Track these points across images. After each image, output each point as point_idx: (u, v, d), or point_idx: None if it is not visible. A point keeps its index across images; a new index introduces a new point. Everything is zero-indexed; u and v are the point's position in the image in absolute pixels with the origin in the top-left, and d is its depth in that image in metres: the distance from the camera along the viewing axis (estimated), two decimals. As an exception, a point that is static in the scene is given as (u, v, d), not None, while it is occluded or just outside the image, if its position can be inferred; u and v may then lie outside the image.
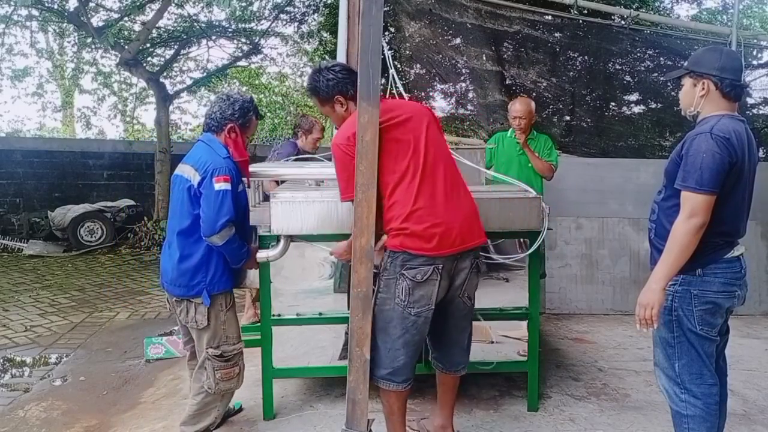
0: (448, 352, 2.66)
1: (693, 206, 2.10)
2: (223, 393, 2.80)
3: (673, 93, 6.55)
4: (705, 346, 2.26)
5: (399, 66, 7.55)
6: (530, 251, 2.95)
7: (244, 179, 2.85)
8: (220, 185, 2.59)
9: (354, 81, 2.44)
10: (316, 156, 4.04)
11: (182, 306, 2.74)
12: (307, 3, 11.57)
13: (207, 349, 2.74)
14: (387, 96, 4.21)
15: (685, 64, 2.32)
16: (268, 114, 15.46)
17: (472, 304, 2.61)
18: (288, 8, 11.60)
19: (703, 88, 2.22)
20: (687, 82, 2.29)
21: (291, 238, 2.90)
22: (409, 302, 2.36)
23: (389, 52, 3.96)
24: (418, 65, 7.72)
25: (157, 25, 10.70)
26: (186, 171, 2.70)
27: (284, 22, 12.03)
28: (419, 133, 2.42)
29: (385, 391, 2.48)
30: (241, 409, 3.25)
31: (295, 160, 4.04)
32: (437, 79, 7.88)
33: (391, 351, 2.41)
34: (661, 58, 7.11)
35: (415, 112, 2.49)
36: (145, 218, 10.04)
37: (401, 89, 3.51)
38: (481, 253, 2.63)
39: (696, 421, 2.26)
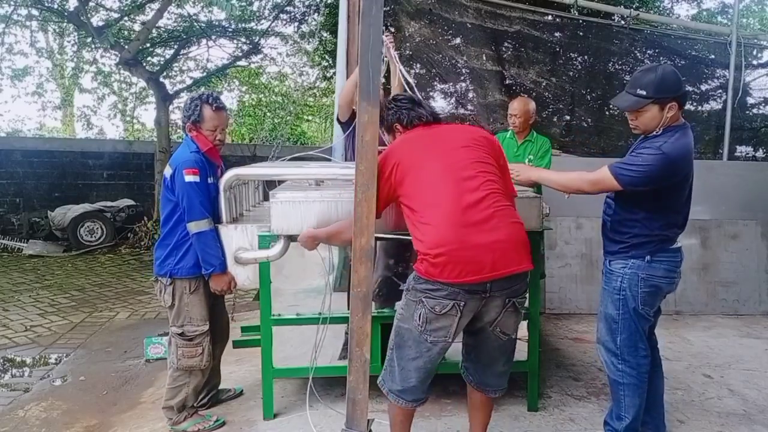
0: (479, 371, 2.48)
1: (600, 180, 2.49)
2: (187, 369, 3.01)
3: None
4: (642, 324, 2.61)
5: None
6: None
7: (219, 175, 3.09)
8: (190, 177, 2.87)
9: (407, 110, 2.45)
10: (317, 155, 4.03)
11: (157, 285, 3.05)
12: (307, 3, 11.57)
13: (171, 326, 3.03)
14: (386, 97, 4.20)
15: (642, 92, 2.46)
16: (268, 114, 15.44)
17: (511, 339, 2.38)
18: (288, 8, 11.60)
19: (672, 109, 2.45)
20: (653, 108, 2.46)
21: (291, 238, 2.90)
22: (426, 329, 2.23)
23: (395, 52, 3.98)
24: (418, 65, 7.71)
25: (157, 25, 10.70)
26: (166, 169, 3.01)
27: (284, 22, 12.03)
28: (438, 159, 2.29)
29: (391, 404, 2.43)
30: (242, 393, 3.46)
31: (294, 159, 4.04)
32: (437, 79, 7.87)
33: (404, 370, 2.33)
34: (661, 58, 7.11)
35: (431, 145, 2.35)
36: (145, 218, 10.03)
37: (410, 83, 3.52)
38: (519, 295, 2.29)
39: (630, 388, 2.62)
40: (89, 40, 11.46)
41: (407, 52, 7.47)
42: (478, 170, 2.27)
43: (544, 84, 7.09)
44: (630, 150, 2.58)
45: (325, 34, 11.14)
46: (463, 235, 2.14)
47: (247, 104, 16.24)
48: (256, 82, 15.47)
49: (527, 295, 2.31)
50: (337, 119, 4.18)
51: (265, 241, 2.94)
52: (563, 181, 2.65)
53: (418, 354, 2.28)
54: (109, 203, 10.21)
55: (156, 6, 10.45)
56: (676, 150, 2.42)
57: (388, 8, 6.48)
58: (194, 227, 2.88)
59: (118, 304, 6.12)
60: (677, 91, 2.45)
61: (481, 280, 2.14)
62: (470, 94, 8.17)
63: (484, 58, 6.90)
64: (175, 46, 11.67)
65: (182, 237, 2.95)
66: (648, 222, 2.51)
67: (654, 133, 2.50)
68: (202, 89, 12.30)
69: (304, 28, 11.94)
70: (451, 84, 8.15)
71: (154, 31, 10.81)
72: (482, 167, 2.29)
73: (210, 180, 2.99)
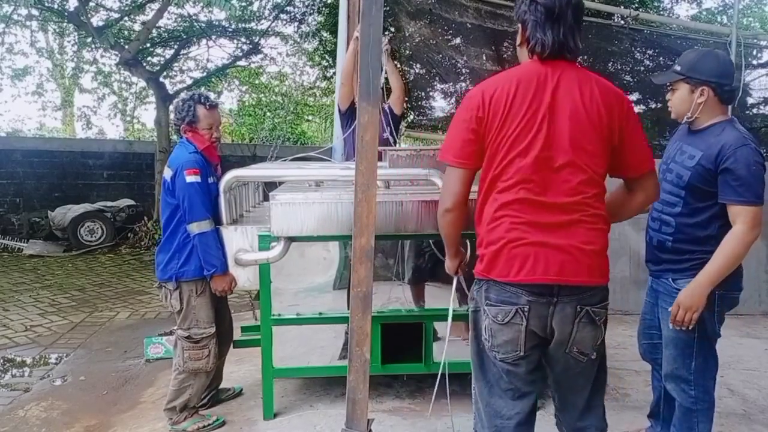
0: (564, 411, 2.08)
1: (755, 218, 2.14)
2: (193, 372, 3.01)
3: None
4: (715, 343, 2.38)
5: (399, 66, 7.54)
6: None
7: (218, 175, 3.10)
8: (191, 177, 2.87)
9: (536, 24, 1.85)
10: (316, 155, 4.04)
11: (162, 291, 3.04)
12: (307, 3, 11.57)
13: (178, 330, 3.04)
14: (385, 100, 4.18)
15: (677, 68, 2.27)
16: (268, 114, 15.45)
17: (592, 360, 1.93)
18: (288, 8, 11.60)
19: (702, 95, 2.22)
20: (683, 87, 2.26)
21: (291, 239, 2.90)
22: (493, 344, 1.89)
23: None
24: (418, 65, 7.72)
25: (157, 25, 10.70)
26: (165, 171, 3.01)
27: (284, 22, 12.03)
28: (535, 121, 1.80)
29: None
30: (241, 392, 3.46)
31: (295, 159, 4.04)
32: (437, 79, 7.87)
33: (489, 406, 1.96)
34: (661, 58, 7.11)
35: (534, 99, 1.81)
36: (145, 218, 10.04)
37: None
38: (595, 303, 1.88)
39: (703, 413, 2.38)
40: (89, 40, 11.47)
41: (407, 52, 7.47)
42: (577, 156, 1.80)
43: (544, 84, 7.08)
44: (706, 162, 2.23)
45: (325, 34, 11.15)
46: (535, 227, 1.80)
47: (247, 104, 16.24)
48: (256, 82, 15.47)
49: (607, 307, 1.91)
50: (338, 109, 4.17)
51: (265, 243, 2.94)
52: (734, 260, 2.19)
53: (497, 377, 1.94)
54: (109, 203, 10.21)
55: (156, 6, 10.45)
56: (751, 137, 2.18)
57: (388, 8, 6.48)
58: (196, 228, 2.87)
59: (118, 304, 6.12)
60: (710, 75, 2.18)
61: (545, 281, 1.80)
62: (470, 94, 8.16)
63: (484, 58, 6.89)
64: (175, 46, 11.68)
65: (184, 239, 2.94)
66: (722, 234, 2.21)
67: (685, 119, 2.28)
68: (202, 89, 12.38)
69: (304, 28, 11.94)
70: (451, 84, 8.14)
71: (154, 31, 10.81)
72: (587, 152, 1.81)
73: (210, 180, 2.99)
